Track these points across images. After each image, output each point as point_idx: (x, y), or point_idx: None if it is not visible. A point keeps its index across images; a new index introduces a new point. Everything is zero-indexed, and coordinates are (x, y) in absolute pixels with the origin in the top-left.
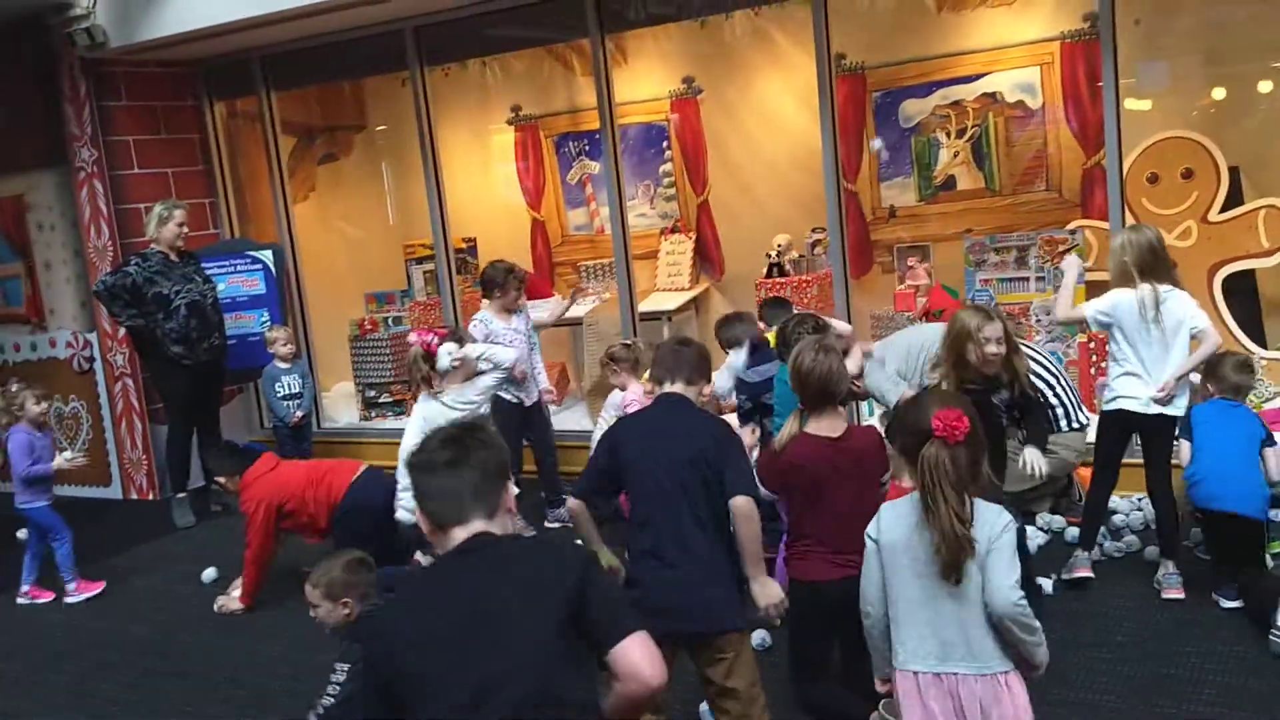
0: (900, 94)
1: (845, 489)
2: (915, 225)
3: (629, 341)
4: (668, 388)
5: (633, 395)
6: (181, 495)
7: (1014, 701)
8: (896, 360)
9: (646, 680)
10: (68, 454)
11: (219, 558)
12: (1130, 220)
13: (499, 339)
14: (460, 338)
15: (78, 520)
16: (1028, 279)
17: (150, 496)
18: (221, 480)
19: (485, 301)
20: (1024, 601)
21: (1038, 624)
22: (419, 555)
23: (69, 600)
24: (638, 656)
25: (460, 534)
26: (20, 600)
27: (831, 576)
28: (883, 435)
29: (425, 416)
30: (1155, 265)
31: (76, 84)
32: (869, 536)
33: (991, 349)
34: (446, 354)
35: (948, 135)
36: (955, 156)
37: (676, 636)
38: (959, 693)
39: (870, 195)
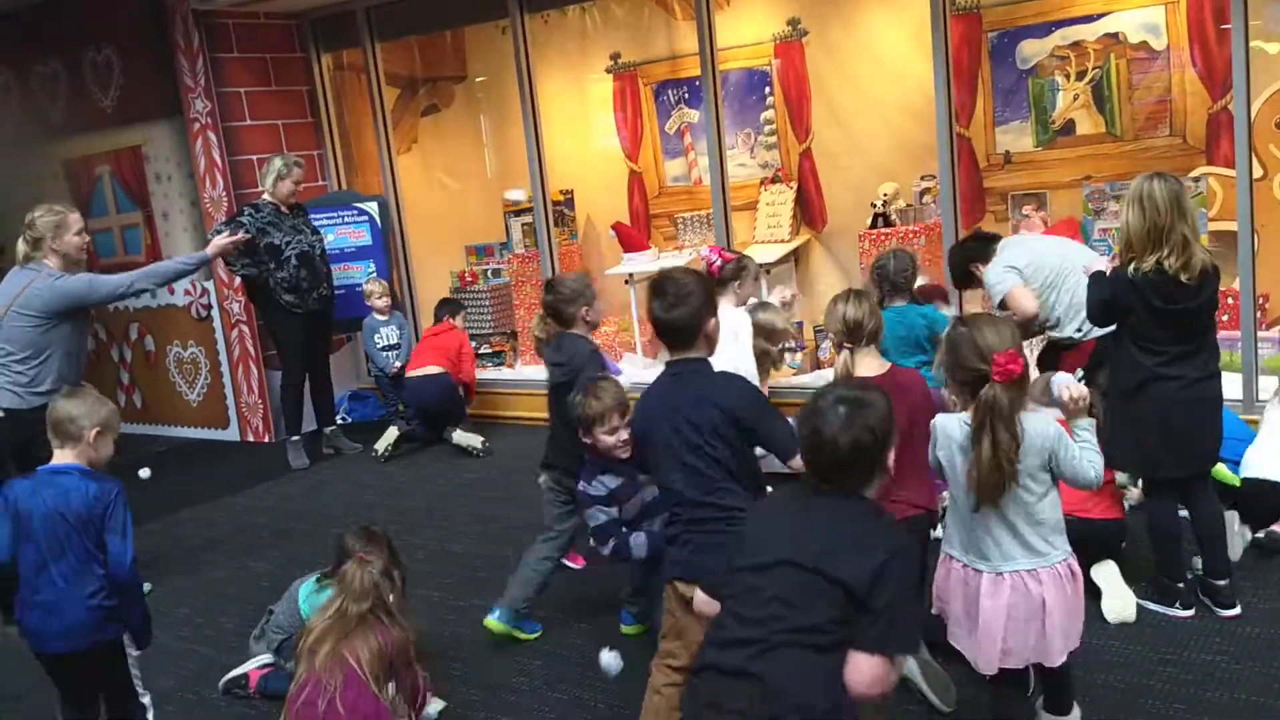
0: (1017, 34)
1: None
2: (1031, 172)
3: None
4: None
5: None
6: (296, 438)
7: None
8: (1020, 262)
9: None
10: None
11: (331, 498)
12: (1259, 168)
13: None
14: (744, 264)
15: (199, 460)
16: None
17: (266, 439)
18: None
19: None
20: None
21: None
22: None
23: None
24: None
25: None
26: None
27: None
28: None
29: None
30: None
31: (190, 36)
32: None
33: None
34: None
35: (1067, 77)
36: (1075, 100)
37: None
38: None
39: (984, 141)
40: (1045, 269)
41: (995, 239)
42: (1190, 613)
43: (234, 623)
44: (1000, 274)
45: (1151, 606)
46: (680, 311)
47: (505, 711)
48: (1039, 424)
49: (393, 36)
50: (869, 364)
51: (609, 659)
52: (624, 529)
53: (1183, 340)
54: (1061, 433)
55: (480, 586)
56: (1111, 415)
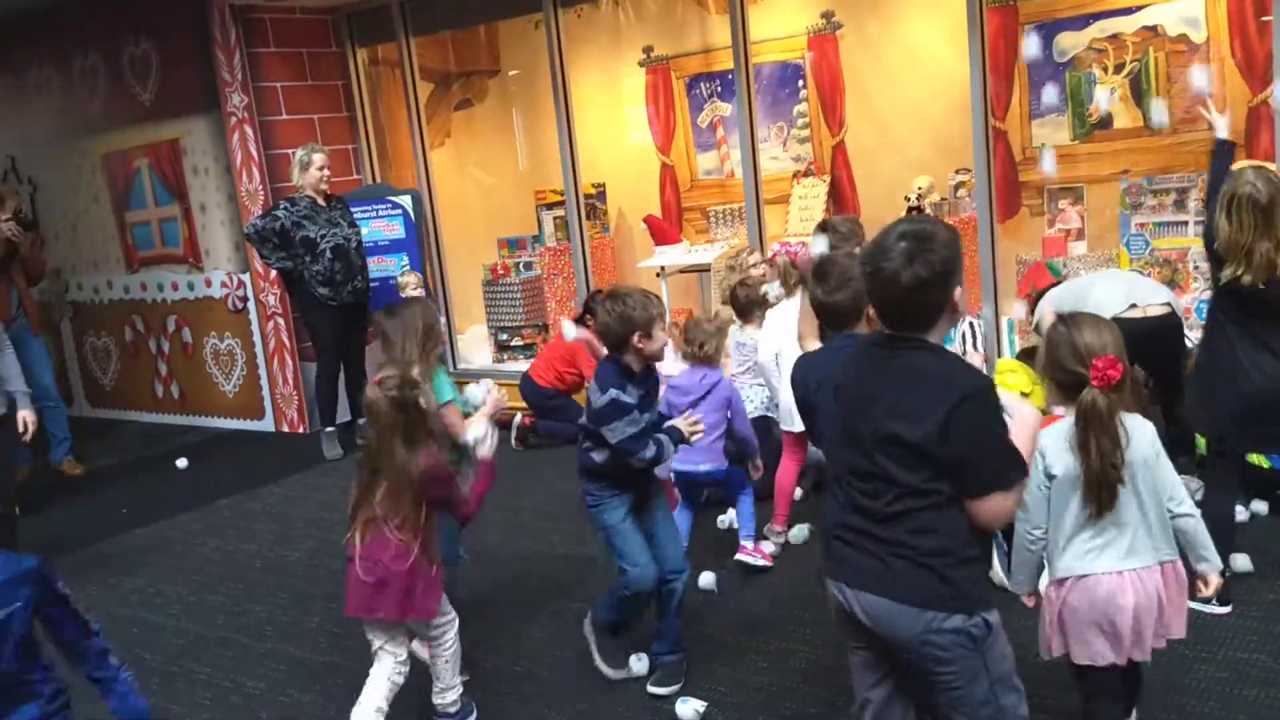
0: (1054, 26)
1: None
2: (1068, 166)
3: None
4: None
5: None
6: (330, 429)
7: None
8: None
9: None
10: None
11: None
12: None
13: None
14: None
15: (235, 451)
16: (1186, 223)
17: (301, 430)
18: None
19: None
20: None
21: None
22: None
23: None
24: None
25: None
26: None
27: None
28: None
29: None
30: None
31: (227, 31)
32: (1041, 469)
33: None
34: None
35: (1104, 70)
36: (1112, 93)
37: None
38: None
39: (1020, 134)
40: (1072, 292)
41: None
42: (1228, 609)
43: (267, 610)
44: (1039, 311)
45: (1188, 603)
46: (843, 295)
47: (537, 702)
48: (1141, 426)
49: (427, 31)
50: None
51: (638, 666)
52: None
53: (1267, 319)
54: (1155, 442)
55: (505, 585)
56: (1196, 383)
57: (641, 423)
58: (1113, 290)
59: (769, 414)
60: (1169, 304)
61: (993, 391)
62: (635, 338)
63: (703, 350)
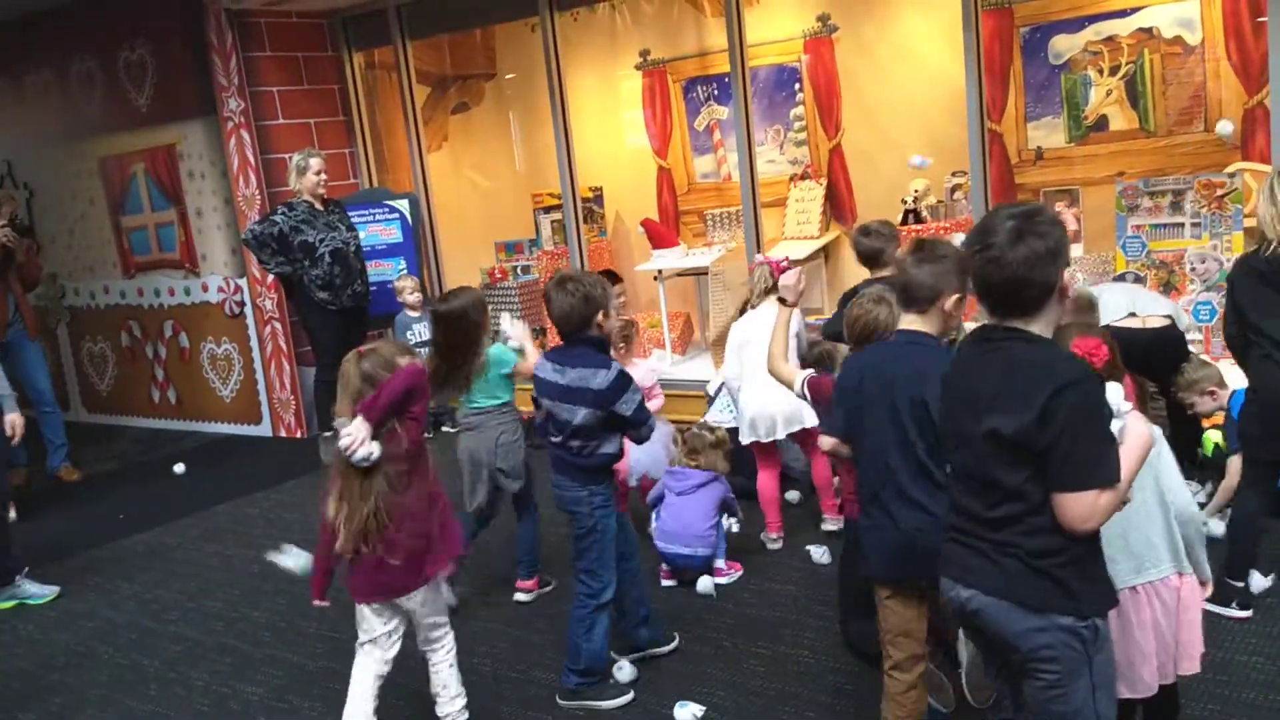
0: (1050, 29)
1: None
2: (1063, 168)
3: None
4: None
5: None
6: (328, 434)
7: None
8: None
9: None
10: None
11: None
12: None
13: None
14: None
15: (232, 456)
16: (1183, 225)
17: (298, 434)
18: None
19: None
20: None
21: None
22: None
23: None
24: None
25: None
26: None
27: None
28: None
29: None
30: None
31: (223, 35)
32: None
33: None
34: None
35: (1100, 73)
36: (1108, 95)
37: None
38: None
39: (1016, 136)
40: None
41: None
42: (1248, 614)
43: (266, 617)
44: None
45: (1208, 606)
46: (924, 270)
47: (538, 705)
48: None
49: (423, 35)
50: None
51: (629, 672)
52: None
53: None
54: (1164, 442)
55: (505, 586)
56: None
57: (639, 391)
58: (1114, 298)
59: None
60: (1170, 316)
61: (1097, 385)
62: (600, 315)
63: (700, 460)
